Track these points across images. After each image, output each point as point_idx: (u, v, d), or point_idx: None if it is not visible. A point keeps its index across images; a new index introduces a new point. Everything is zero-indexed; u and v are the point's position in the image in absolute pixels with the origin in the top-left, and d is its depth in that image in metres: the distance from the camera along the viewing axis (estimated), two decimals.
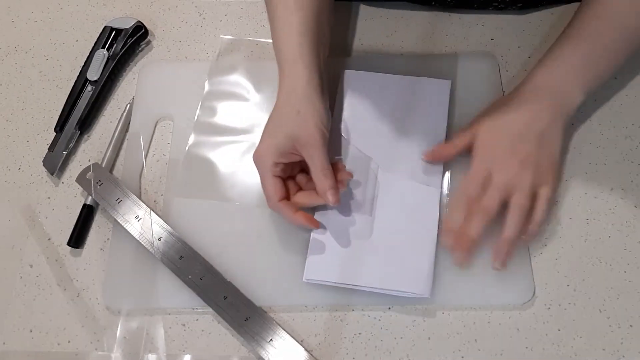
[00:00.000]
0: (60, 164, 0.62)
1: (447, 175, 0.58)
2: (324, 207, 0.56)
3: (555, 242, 0.55)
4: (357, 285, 0.52)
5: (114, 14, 0.72)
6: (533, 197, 0.51)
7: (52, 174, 0.61)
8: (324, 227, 0.55)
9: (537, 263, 0.54)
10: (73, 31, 0.71)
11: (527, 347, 0.51)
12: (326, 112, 0.53)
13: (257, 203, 0.57)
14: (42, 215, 0.60)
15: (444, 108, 0.60)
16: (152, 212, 0.57)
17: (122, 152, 0.63)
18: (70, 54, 0.70)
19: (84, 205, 0.59)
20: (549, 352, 0.51)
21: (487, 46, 0.66)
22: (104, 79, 0.65)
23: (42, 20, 0.73)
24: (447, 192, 0.57)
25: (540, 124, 0.53)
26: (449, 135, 0.59)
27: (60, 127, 0.63)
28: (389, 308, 0.53)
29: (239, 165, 0.60)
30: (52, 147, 0.63)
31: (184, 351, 0.53)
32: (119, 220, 0.56)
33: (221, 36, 0.69)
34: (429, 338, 0.52)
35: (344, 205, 0.56)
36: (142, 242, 0.55)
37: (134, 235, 0.56)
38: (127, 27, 0.68)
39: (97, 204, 0.59)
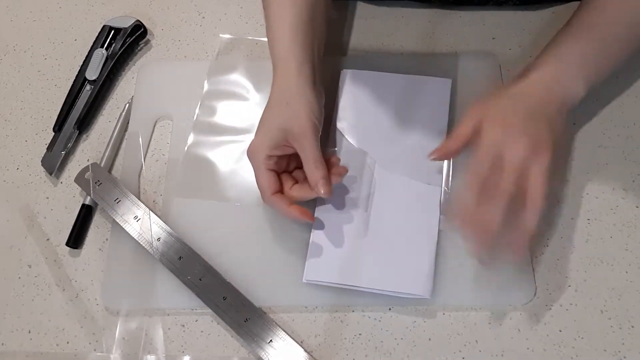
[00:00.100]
0: (58, 163, 0.61)
1: (449, 173, 0.57)
2: (323, 208, 0.56)
3: (556, 243, 0.55)
4: (357, 286, 0.52)
5: (112, 13, 0.71)
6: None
7: (50, 174, 0.61)
8: (324, 228, 0.55)
9: (538, 263, 0.54)
10: (72, 30, 0.71)
11: (528, 348, 0.51)
12: (318, 104, 0.53)
13: (257, 203, 0.57)
14: (41, 215, 0.60)
15: (445, 107, 0.60)
16: (151, 212, 0.57)
17: (121, 152, 0.63)
18: (68, 53, 0.69)
19: (83, 205, 0.59)
20: (550, 353, 0.51)
21: (488, 45, 0.66)
22: (103, 79, 0.65)
23: (41, 20, 0.73)
24: (448, 191, 0.56)
25: (547, 108, 0.50)
26: (450, 134, 0.59)
27: (58, 126, 0.63)
28: (390, 309, 0.53)
29: (238, 165, 0.60)
30: (50, 147, 0.62)
31: (183, 352, 0.52)
32: (117, 221, 0.56)
33: (220, 35, 0.69)
34: (430, 339, 0.52)
35: (345, 206, 0.56)
36: (141, 243, 0.55)
37: (133, 236, 0.55)
38: (126, 26, 0.68)
39: (96, 204, 0.59)
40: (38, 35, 0.71)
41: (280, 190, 0.53)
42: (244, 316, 0.51)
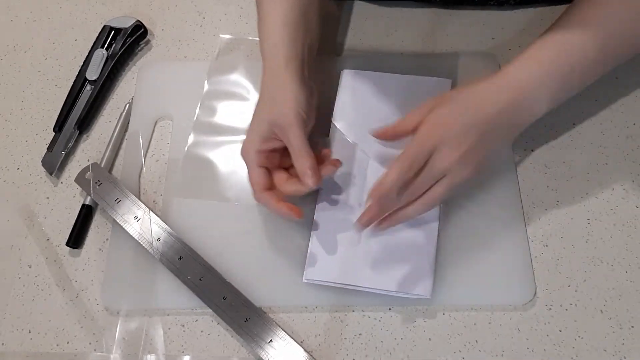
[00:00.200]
0: (59, 163, 0.61)
1: None
2: (323, 208, 0.56)
3: (556, 243, 0.55)
4: (357, 286, 0.52)
5: (113, 13, 0.71)
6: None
7: (50, 174, 0.61)
8: (325, 228, 0.55)
9: (538, 263, 0.54)
10: (72, 30, 0.71)
11: (528, 348, 0.51)
12: (305, 97, 0.52)
13: (257, 203, 0.57)
14: (41, 215, 0.60)
15: None
16: (151, 212, 0.57)
17: (121, 152, 0.63)
18: (69, 53, 0.69)
19: (83, 205, 0.59)
20: (550, 353, 0.51)
21: (488, 45, 0.66)
22: (103, 79, 0.65)
23: (41, 20, 0.73)
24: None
25: (494, 127, 0.49)
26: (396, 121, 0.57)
27: (59, 126, 0.63)
28: (390, 309, 0.53)
29: (238, 165, 0.59)
30: (51, 147, 0.62)
31: (183, 352, 0.52)
32: (118, 221, 0.56)
33: (221, 35, 0.69)
34: (430, 339, 0.52)
35: (344, 206, 0.56)
36: (141, 243, 0.55)
37: (133, 236, 0.55)
38: (127, 26, 0.68)
39: (96, 204, 0.59)
40: (38, 35, 0.71)
41: (272, 187, 0.53)
42: (244, 316, 0.51)
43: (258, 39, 0.56)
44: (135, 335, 0.53)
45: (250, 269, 0.54)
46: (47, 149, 0.62)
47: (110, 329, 0.54)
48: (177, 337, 0.53)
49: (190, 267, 0.53)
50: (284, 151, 0.53)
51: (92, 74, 0.65)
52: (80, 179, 0.60)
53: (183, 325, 0.53)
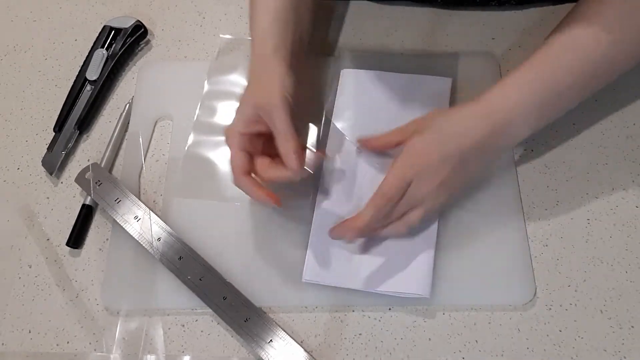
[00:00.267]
0: (59, 164, 0.61)
1: None
2: (323, 208, 0.55)
3: (556, 243, 0.55)
4: (356, 286, 0.52)
5: (113, 13, 0.71)
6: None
7: (51, 174, 0.61)
8: (324, 228, 0.54)
9: (538, 263, 0.54)
10: (72, 30, 0.71)
11: (528, 348, 0.51)
12: (290, 80, 0.52)
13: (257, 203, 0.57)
14: (41, 215, 0.60)
15: (445, 106, 0.60)
16: (151, 212, 0.57)
17: (121, 152, 0.63)
18: (69, 53, 0.69)
19: (83, 205, 0.59)
20: (550, 353, 0.51)
21: (488, 45, 0.66)
22: (103, 79, 0.65)
23: (41, 20, 0.73)
24: None
25: (474, 152, 0.50)
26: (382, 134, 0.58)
27: (59, 126, 0.63)
28: (389, 309, 0.53)
29: None
30: (51, 147, 0.62)
31: (183, 352, 0.52)
32: (118, 221, 0.56)
33: (221, 35, 0.69)
34: (430, 339, 0.52)
35: (344, 205, 0.56)
36: (142, 243, 0.55)
37: (133, 236, 0.55)
38: (127, 26, 0.68)
39: (96, 204, 0.59)
40: (38, 35, 0.71)
41: (252, 172, 0.52)
42: (244, 316, 0.51)
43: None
44: (135, 335, 0.53)
45: (250, 269, 0.55)
46: (47, 149, 0.62)
47: (110, 329, 0.54)
48: (177, 337, 0.53)
49: (190, 267, 0.54)
50: (269, 138, 0.52)
51: (92, 74, 0.65)
52: (80, 179, 0.60)
53: (183, 325, 0.53)
